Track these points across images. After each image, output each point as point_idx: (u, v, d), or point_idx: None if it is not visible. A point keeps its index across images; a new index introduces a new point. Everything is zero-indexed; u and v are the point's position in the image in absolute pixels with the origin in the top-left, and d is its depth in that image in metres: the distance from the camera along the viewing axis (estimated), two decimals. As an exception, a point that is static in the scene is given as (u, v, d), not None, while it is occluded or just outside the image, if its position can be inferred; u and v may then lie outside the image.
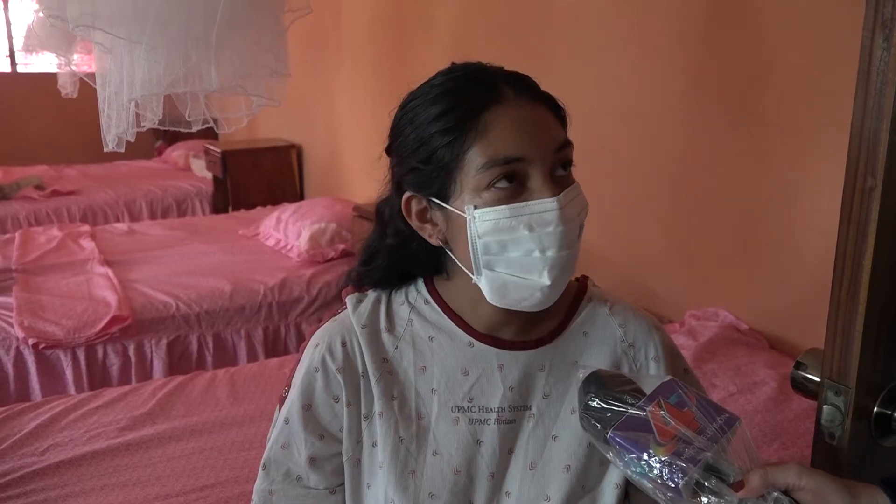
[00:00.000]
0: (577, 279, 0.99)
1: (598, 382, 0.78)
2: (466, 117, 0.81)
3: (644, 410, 0.73)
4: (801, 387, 0.94)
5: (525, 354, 0.91)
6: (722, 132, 2.09)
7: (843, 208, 0.81)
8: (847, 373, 0.83)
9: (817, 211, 1.84)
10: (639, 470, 0.71)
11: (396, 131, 0.89)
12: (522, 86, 0.85)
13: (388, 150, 0.93)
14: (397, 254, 0.94)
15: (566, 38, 2.56)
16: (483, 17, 3.02)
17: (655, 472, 0.69)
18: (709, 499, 0.68)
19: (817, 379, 0.88)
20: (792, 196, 1.92)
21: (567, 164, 0.84)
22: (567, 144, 0.84)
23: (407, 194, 0.88)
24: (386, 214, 0.94)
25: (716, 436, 0.72)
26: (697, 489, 0.69)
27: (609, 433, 0.73)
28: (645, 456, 0.70)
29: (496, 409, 0.89)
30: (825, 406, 0.85)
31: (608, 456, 0.75)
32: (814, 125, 1.84)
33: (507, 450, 0.90)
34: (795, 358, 0.96)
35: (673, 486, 0.68)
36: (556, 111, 0.86)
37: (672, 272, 2.33)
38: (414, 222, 0.89)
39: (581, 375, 0.80)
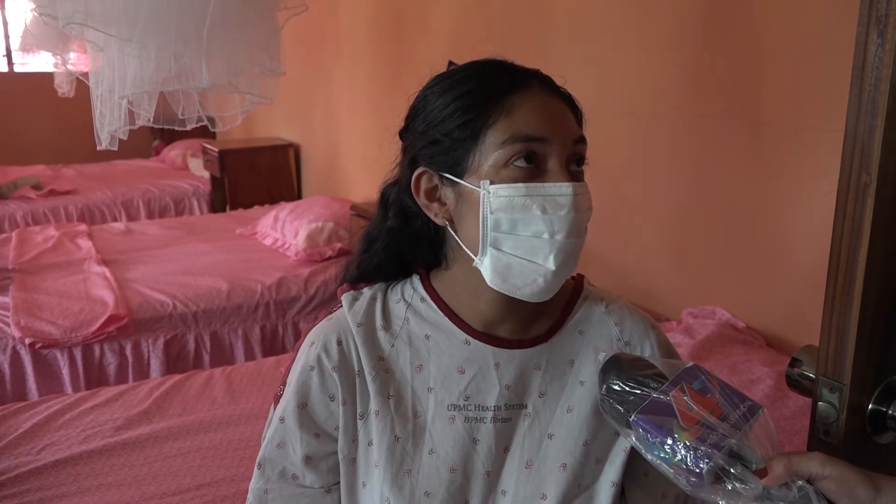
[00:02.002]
0: (573, 277, 0.98)
1: (619, 366, 0.78)
2: (494, 97, 0.83)
3: (667, 395, 0.73)
4: (796, 384, 0.94)
5: (521, 353, 0.91)
6: (718, 131, 2.09)
7: (837, 205, 0.81)
8: (842, 369, 0.82)
9: (813, 209, 1.84)
10: (662, 454, 0.70)
11: (418, 107, 0.90)
12: (547, 81, 0.88)
13: (403, 133, 0.93)
14: (398, 236, 0.94)
15: (564, 37, 2.56)
16: (481, 15, 3.01)
17: (680, 456, 0.69)
18: (733, 485, 0.68)
19: (812, 376, 0.88)
20: (788, 194, 1.92)
21: (581, 160, 0.87)
22: (583, 140, 0.87)
23: (419, 170, 0.88)
24: (391, 197, 0.95)
25: (739, 423, 0.71)
26: (721, 475, 0.68)
27: (633, 417, 0.72)
28: (669, 440, 0.70)
29: (492, 408, 0.89)
30: (820, 403, 0.85)
31: (629, 440, 0.74)
32: (810, 123, 1.84)
33: (502, 448, 0.89)
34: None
35: (697, 471, 0.68)
36: (575, 112, 0.89)
37: (669, 270, 2.32)
38: (421, 200, 0.89)
39: (601, 358, 0.80)
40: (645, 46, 2.27)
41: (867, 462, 0.84)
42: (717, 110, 2.09)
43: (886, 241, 0.79)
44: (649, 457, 0.72)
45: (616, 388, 0.75)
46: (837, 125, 0.83)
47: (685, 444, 0.69)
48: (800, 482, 0.68)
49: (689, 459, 0.68)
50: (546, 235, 0.82)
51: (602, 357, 0.80)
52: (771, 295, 2.02)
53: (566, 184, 0.82)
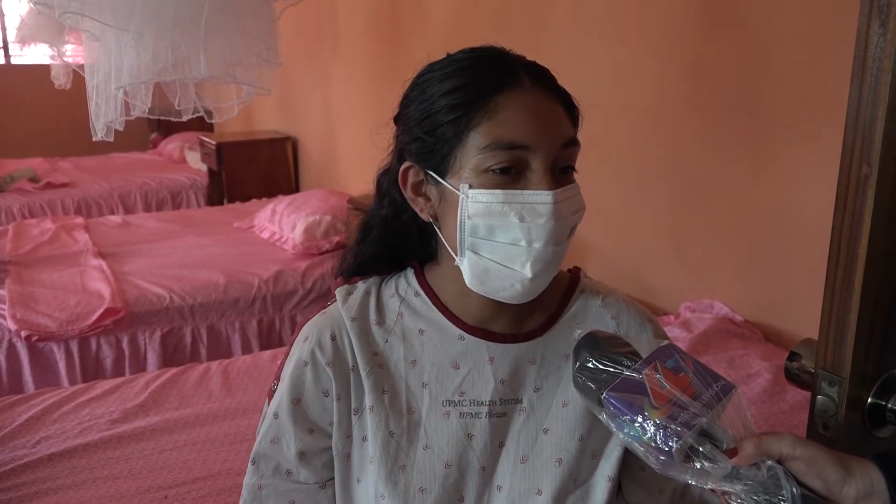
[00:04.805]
0: (569, 270, 0.98)
1: (594, 343, 0.77)
2: (479, 96, 0.81)
3: (640, 373, 0.72)
4: (795, 378, 0.93)
5: (516, 347, 0.90)
6: (717, 124, 2.08)
7: (838, 197, 0.80)
8: (841, 363, 0.82)
9: (813, 202, 1.83)
10: (632, 432, 0.70)
11: (408, 99, 0.88)
12: (540, 77, 0.84)
13: (397, 119, 0.92)
14: (390, 225, 0.93)
15: (562, 28, 2.55)
16: (479, 8, 3.00)
17: (649, 435, 0.68)
18: (702, 464, 0.67)
19: (812, 370, 0.87)
20: (788, 187, 1.91)
21: (570, 164, 0.83)
22: (574, 143, 0.83)
23: (406, 164, 0.87)
24: (384, 185, 0.94)
25: (711, 402, 0.71)
26: (691, 454, 0.68)
27: (603, 394, 0.72)
28: (639, 418, 0.69)
29: (487, 403, 0.88)
30: (819, 397, 0.85)
31: (601, 417, 0.74)
32: (809, 117, 1.83)
33: (497, 443, 0.89)
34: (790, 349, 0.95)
35: (667, 449, 0.67)
36: (570, 110, 0.85)
37: (667, 264, 2.32)
38: (408, 193, 0.88)
39: (576, 336, 0.79)
40: (644, 39, 2.26)
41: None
42: (716, 103, 2.08)
43: (887, 234, 0.79)
44: (620, 435, 0.71)
45: (589, 365, 0.75)
46: (838, 117, 0.82)
47: (655, 422, 0.69)
48: (769, 462, 0.68)
49: (658, 438, 0.68)
50: (523, 243, 0.80)
51: (577, 334, 0.79)
52: (770, 288, 2.01)
53: (546, 192, 0.79)
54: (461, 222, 0.81)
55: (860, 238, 0.78)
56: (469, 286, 0.85)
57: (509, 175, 0.80)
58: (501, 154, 0.79)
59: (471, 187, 0.80)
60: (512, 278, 0.82)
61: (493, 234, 0.81)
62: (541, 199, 0.79)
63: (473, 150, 0.80)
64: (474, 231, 0.81)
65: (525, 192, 0.79)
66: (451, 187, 0.82)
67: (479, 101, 0.80)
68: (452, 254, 0.85)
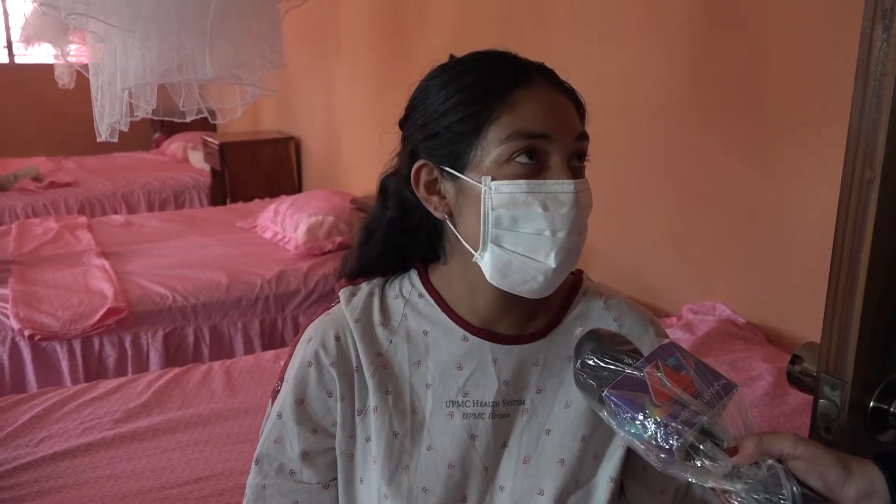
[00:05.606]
0: (572, 273, 0.98)
1: (596, 341, 0.77)
2: (497, 91, 0.83)
3: (641, 371, 0.72)
4: (797, 381, 0.93)
5: (519, 349, 0.90)
6: (720, 126, 2.08)
7: (840, 201, 0.80)
8: (843, 367, 0.82)
9: (816, 205, 1.83)
10: (632, 430, 0.70)
11: (419, 98, 0.89)
12: (550, 75, 0.87)
13: (402, 122, 0.92)
14: (397, 226, 0.93)
15: (564, 30, 2.55)
16: (481, 9, 3.00)
17: (650, 433, 0.69)
18: (702, 462, 0.68)
19: (814, 373, 0.87)
20: (790, 190, 1.91)
21: (582, 155, 0.86)
22: (585, 136, 0.86)
23: (419, 162, 0.87)
24: (390, 187, 0.94)
25: (712, 400, 0.71)
26: (691, 452, 0.68)
27: (604, 391, 0.72)
28: (640, 416, 0.69)
29: (491, 404, 0.88)
30: (821, 400, 0.85)
31: (601, 415, 0.74)
32: (812, 119, 1.83)
33: (500, 444, 0.89)
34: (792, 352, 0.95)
35: (667, 447, 0.68)
36: (577, 106, 0.88)
37: (670, 266, 2.32)
38: (421, 192, 0.88)
39: (577, 333, 0.79)
40: (646, 40, 2.26)
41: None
42: (719, 104, 2.08)
43: (890, 238, 0.79)
44: (621, 433, 0.72)
45: (591, 363, 0.75)
46: (841, 120, 0.82)
47: (656, 420, 0.69)
48: (770, 461, 0.68)
49: (659, 436, 0.68)
50: (547, 233, 0.81)
51: (579, 332, 0.79)
52: (772, 291, 2.01)
53: (568, 181, 0.81)
54: (485, 214, 0.82)
55: (863, 242, 0.78)
56: (490, 280, 0.85)
57: (532, 164, 0.81)
58: (523, 142, 0.81)
59: (493, 179, 0.82)
60: (535, 269, 0.82)
61: (516, 225, 0.82)
62: (563, 188, 0.81)
63: (494, 142, 0.82)
64: (498, 222, 0.82)
65: (548, 181, 0.81)
66: (471, 181, 0.83)
67: (497, 95, 0.82)
68: (471, 250, 0.85)
